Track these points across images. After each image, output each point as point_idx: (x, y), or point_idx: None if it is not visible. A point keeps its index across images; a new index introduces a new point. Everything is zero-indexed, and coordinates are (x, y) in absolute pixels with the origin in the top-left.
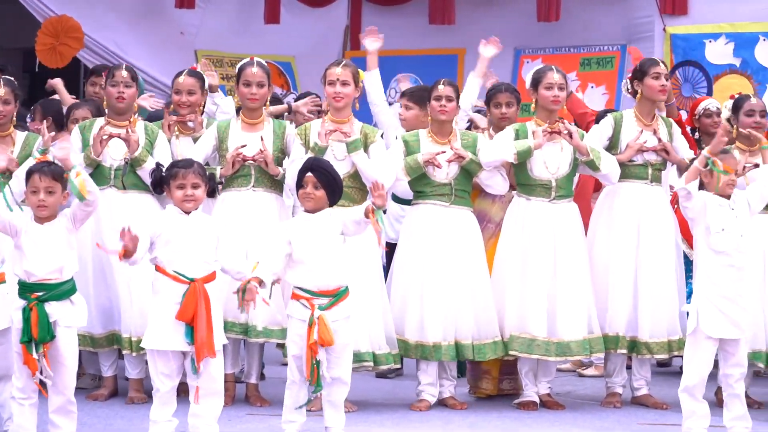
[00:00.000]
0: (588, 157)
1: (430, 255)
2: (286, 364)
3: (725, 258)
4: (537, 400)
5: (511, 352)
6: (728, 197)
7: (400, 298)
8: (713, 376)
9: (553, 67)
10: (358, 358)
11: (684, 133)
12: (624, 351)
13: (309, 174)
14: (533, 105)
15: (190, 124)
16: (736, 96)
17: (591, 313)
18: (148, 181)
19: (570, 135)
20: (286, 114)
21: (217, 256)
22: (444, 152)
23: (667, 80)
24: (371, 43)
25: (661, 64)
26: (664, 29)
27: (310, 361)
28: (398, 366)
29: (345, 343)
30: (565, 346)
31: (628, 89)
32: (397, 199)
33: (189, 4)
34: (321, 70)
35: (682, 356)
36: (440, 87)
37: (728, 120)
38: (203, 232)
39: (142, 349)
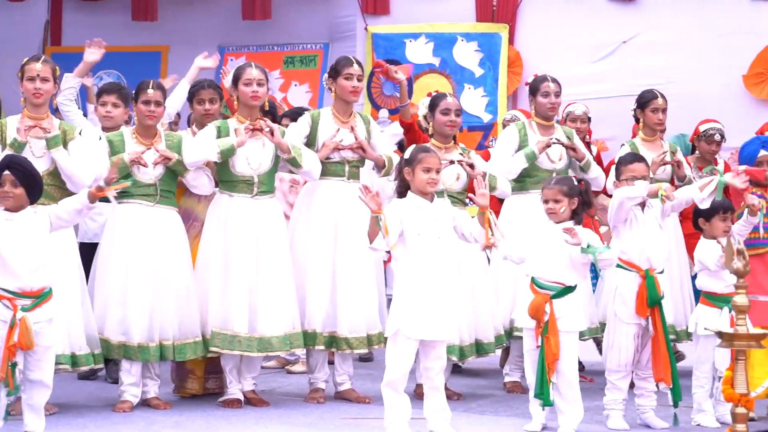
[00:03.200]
0: (289, 155)
1: (133, 255)
2: None
3: (422, 261)
4: (241, 397)
5: (213, 349)
6: (429, 196)
7: (103, 297)
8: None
9: (252, 63)
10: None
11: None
12: (322, 347)
13: (6, 172)
14: (235, 102)
15: None
16: (434, 94)
17: (292, 309)
18: None
19: (271, 133)
20: None
21: None
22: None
23: (359, 81)
24: (90, 54)
25: (355, 64)
26: (365, 29)
27: (5, 364)
28: (101, 366)
29: (47, 345)
30: (267, 341)
31: (327, 84)
32: None
33: None
34: (20, 65)
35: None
36: (150, 91)
37: (425, 117)
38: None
39: None
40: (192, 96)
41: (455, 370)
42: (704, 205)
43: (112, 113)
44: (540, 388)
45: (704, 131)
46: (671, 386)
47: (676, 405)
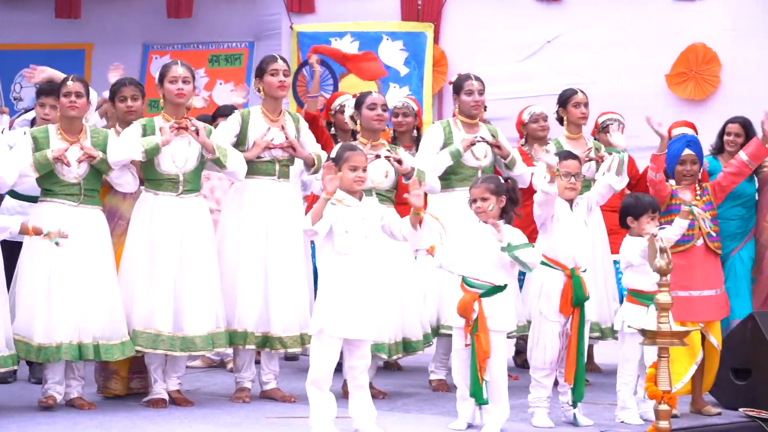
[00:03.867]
0: (214, 155)
1: (57, 255)
2: None
3: (348, 259)
4: (166, 397)
5: (137, 348)
6: (357, 195)
7: (27, 299)
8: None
9: (178, 61)
10: None
11: (319, 127)
12: (253, 346)
13: None
14: (161, 100)
15: None
16: (360, 93)
17: (218, 309)
18: None
19: (197, 132)
20: None
21: None
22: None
23: (286, 76)
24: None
25: (279, 60)
26: (291, 27)
27: None
28: (15, 368)
29: None
30: (190, 341)
31: (256, 89)
32: (15, 194)
33: None
34: None
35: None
36: (69, 83)
37: (351, 117)
38: None
39: None
40: (114, 94)
41: (387, 367)
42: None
43: (50, 115)
44: (473, 387)
45: (602, 123)
46: (572, 386)
47: (574, 405)
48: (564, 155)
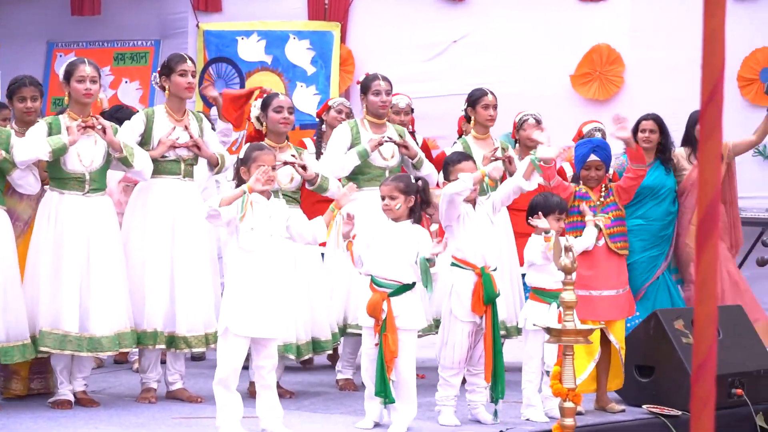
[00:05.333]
0: (121, 154)
1: None
2: None
3: (253, 257)
4: (72, 398)
5: (43, 349)
6: (265, 194)
7: None
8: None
9: (85, 59)
10: None
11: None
12: (162, 346)
13: None
14: (66, 98)
15: None
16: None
17: (125, 309)
18: None
19: (104, 131)
20: None
21: None
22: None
23: (193, 77)
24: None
25: (188, 61)
26: (197, 25)
27: None
28: None
29: None
30: (97, 341)
31: (157, 83)
32: None
33: None
34: None
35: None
36: None
37: (257, 118)
38: None
39: None
40: (12, 93)
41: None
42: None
43: None
44: (380, 386)
45: (519, 120)
46: (492, 383)
47: (495, 402)
48: (458, 157)
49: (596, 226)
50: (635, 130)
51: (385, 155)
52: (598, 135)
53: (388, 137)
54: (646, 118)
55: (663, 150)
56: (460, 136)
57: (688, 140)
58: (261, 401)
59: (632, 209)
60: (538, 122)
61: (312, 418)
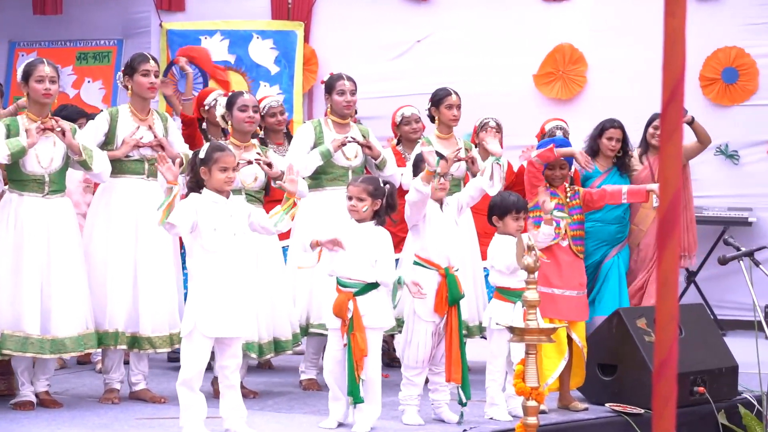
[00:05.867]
0: (80, 157)
1: None
2: None
3: (217, 257)
4: (34, 399)
5: (5, 352)
6: (225, 193)
7: None
8: (211, 367)
9: (44, 60)
10: None
11: (197, 130)
12: (124, 347)
13: None
14: (25, 99)
15: None
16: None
17: (86, 310)
18: None
19: (63, 133)
20: None
21: None
22: None
23: (156, 77)
24: None
25: (151, 60)
26: (160, 25)
27: None
28: None
29: None
30: (60, 342)
31: (121, 82)
32: None
33: None
34: None
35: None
36: None
37: (222, 117)
38: None
39: None
40: None
41: (260, 366)
42: (494, 190)
43: None
44: (351, 386)
45: (480, 123)
46: (461, 385)
47: (464, 404)
48: (422, 158)
49: (550, 223)
50: (599, 134)
51: (349, 155)
52: (560, 133)
53: (351, 137)
54: (613, 125)
55: (622, 156)
56: (398, 140)
57: (644, 141)
58: (225, 401)
59: (589, 212)
60: (499, 127)
61: (276, 418)
